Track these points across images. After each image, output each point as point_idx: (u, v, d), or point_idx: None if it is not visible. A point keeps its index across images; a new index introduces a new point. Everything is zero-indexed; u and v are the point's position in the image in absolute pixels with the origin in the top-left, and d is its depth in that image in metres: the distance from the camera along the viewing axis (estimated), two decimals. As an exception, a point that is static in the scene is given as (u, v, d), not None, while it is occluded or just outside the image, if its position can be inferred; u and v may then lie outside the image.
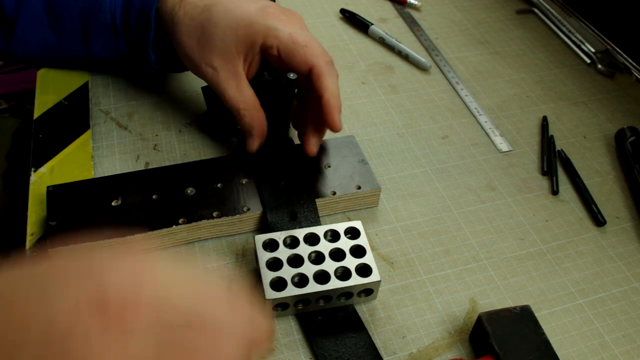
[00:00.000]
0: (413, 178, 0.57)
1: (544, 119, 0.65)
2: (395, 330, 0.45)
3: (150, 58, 0.56)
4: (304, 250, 0.45)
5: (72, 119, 0.58)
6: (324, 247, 0.46)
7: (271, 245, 0.45)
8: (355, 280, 0.44)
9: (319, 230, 0.47)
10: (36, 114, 0.59)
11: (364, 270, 0.45)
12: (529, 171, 0.59)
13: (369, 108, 0.65)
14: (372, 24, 0.75)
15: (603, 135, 0.65)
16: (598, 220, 0.54)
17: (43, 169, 0.53)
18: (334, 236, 0.47)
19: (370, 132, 0.62)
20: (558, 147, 0.62)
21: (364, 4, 0.81)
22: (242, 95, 0.50)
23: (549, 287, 0.49)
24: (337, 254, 0.46)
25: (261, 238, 0.46)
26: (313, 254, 0.45)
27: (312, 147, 0.52)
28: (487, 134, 0.63)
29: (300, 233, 0.46)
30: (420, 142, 0.61)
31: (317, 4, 0.80)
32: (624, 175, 0.60)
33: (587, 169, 0.60)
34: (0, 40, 0.58)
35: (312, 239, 0.47)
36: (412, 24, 0.78)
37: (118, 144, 0.57)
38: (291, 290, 0.43)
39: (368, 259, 0.45)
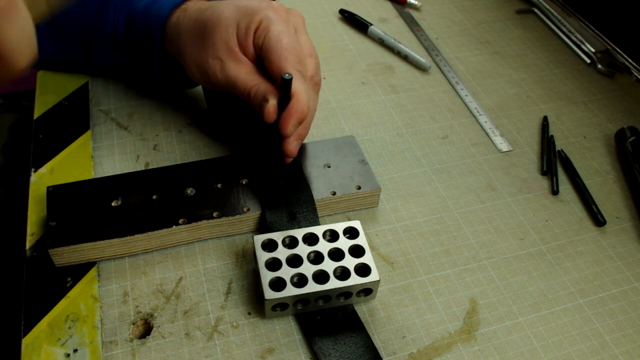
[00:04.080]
0: (413, 178, 0.57)
1: (545, 119, 0.65)
2: (395, 330, 0.45)
3: (153, 74, 0.56)
4: (302, 250, 0.45)
5: (72, 119, 0.58)
6: (323, 247, 0.46)
7: (270, 246, 0.46)
8: (355, 280, 0.44)
9: (318, 230, 0.47)
10: (36, 114, 0.59)
11: (363, 270, 0.45)
12: (529, 171, 0.59)
13: (369, 108, 0.65)
14: (371, 24, 0.75)
15: (603, 135, 0.65)
16: (598, 220, 0.54)
17: (43, 169, 0.53)
18: (332, 236, 0.47)
19: (370, 132, 0.62)
20: (558, 147, 0.62)
21: (364, 4, 0.81)
22: (254, 75, 0.48)
23: (549, 287, 0.49)
24: (336, 254, 0.46)
25: (260, 238, 0.46)
26: (312, 254, 0.45)
27: (290, 148, 0.49)
28: (487, 134, 0.63)
29: (299, 233, 0.46)
30: (420, 142, 0.61)
31: (317, 4, 0.80)
32: (624, 175, 0.60)
33: (587, 169, 0.60)
34: None
35: (311, 239, 0.47)
36: (412, 24, 0.78)
37: (118, 144, 0.57)
38: (290, 291, 0.43)
39: (367, 258, 0.45)
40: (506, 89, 0.69)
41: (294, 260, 0.45)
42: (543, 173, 0.59)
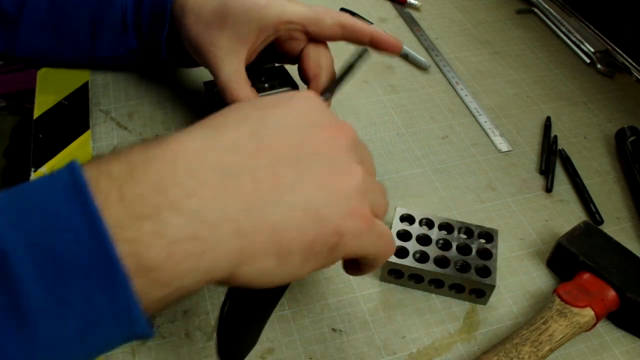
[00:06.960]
0: (413, 178, 0.57)
1: (548, 119, 0.65)
2: (395, 330, 0.45)
3: (162, 51, 0.56)
4: (435, 234, 0.48)
5: (72, 119, 0.58)
6: (455, 238, 0.48)
7: (408, 220, 0.49)
8: (471, 275, 0.45)
9: (455, 223, 0.49)
10: (36, 114, 0.59)
11: (483, 271, 0.46)
12: (528, 171, 0.59)
13: (369, 108, 0.65)
14: (371, 24, 0.75)
15: (603, 135, 0.65)
16: (595, 219, 0.54)
17: (43, 169, 0.53)
18: (467, 232, 0.49)
19: (370, 132, 0.62)
20: (559, 147, 0.62)
21: (364, 4, 0.81)
22: (237, 75, 0.50)
23: (549, 287, 0.49)
24: (464, 249, 0.47)
25: (401, 211, 0.50)
26: (441, 241, 0.48)
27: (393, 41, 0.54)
28: (487, 134, 0.63)
29: (437, 219, 0.50)
30: (420, 142, 0.61)
31: (317, 4, 0.80)
32: (624, 175, 0.60)
33: (587, 169, 0.60)
34: (2, 40, 0.58)
35: (446, 228, 0.49)
36: (412, 24, 0.78)
37: (118, 144, 0.57)
38: (410, 262, 0.46)
39: (491, 263, 0.47)
40: (506, 89, 0.69)
41: (424, 240, 0.48)
42: (541, 172, 0.59)
